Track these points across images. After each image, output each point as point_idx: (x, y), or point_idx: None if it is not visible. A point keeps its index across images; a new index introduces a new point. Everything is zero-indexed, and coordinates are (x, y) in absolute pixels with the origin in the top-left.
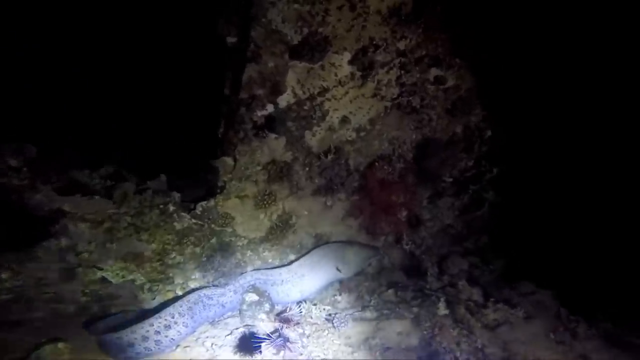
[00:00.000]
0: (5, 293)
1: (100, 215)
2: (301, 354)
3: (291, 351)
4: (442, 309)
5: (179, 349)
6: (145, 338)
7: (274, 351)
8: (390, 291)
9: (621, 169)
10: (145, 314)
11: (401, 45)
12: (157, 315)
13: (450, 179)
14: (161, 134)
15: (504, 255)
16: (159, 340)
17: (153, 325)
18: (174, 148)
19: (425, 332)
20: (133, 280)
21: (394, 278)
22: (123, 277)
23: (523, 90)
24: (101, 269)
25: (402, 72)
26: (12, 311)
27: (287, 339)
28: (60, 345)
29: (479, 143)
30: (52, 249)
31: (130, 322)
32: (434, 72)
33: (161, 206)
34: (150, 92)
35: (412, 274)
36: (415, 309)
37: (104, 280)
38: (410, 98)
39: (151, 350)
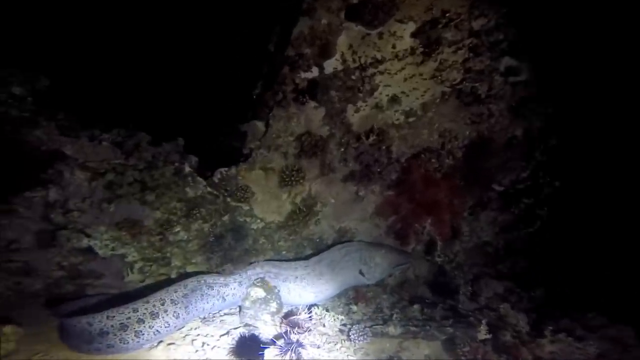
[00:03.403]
0: None
1: (104, 165)
2: None
3: None
4: (483, 333)
5: (160, 346)
6: (123, 326)
7: None
8: (416, 307)
9: None
10: (127, 299)
11: (477, 24)
12: (144, 299)
13: (501, 188)
14: (185, 93)
15: (549, 283)
16: (140, 332)
17: (137, 311)
18: (198, 110)
19: (463, 358)
20: (123, 256)
21: (418, 292)
22: (113, 249)
23: (608, 102)
24: (89, 236)
25: (471, 55)
26: None
27: (301, 345)
28: (8, 329)
29: (540, 151)
30: (36, 203)
31: (106, 306)
32: (506, 61)
33: (176, 164)
34: (176, 42)
35: (439, 291)
36: (449, 329)
37: (88, 251)
38: (474, 85)
39: (127, 342)
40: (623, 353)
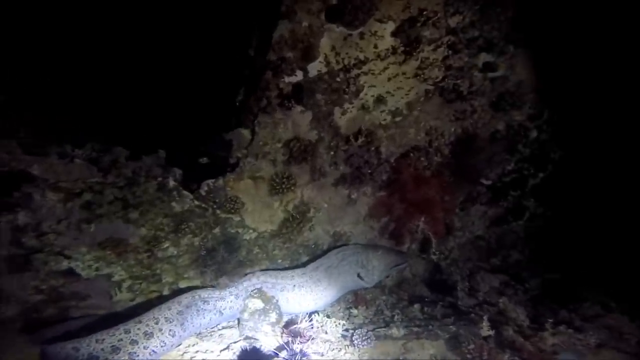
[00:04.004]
0: None
1: (80, 185)
2: None
3: None
4: (486, 329)
5: None
6: (115, 349)
7: None
8: (416, 306)
9: None
10: (117, 320)
11: (453, 21)
12: (136, 319)
13: (489, 182)
14: (163, 102)
15: (542, 274)
16: (134, 353)
17: (130, 332)
18: (178, 119)
19: (469, 356)
20: (109, 275)
21: (416, 292)
22: (97, 269)
23: (583, 91)
24: (69, 258)
25: (450, 52)
26: None
27: (304, 355)
28: None
29: (522, 144)
30: (3, 228)
31: (92, 329)
32: (483, 57)
33: (159, 179)
34: (152, 48)
35: (437, 289)
36: (451, 328)
37: (70, 273)
38: (455, 83)
39: None
40: (620, 341)
